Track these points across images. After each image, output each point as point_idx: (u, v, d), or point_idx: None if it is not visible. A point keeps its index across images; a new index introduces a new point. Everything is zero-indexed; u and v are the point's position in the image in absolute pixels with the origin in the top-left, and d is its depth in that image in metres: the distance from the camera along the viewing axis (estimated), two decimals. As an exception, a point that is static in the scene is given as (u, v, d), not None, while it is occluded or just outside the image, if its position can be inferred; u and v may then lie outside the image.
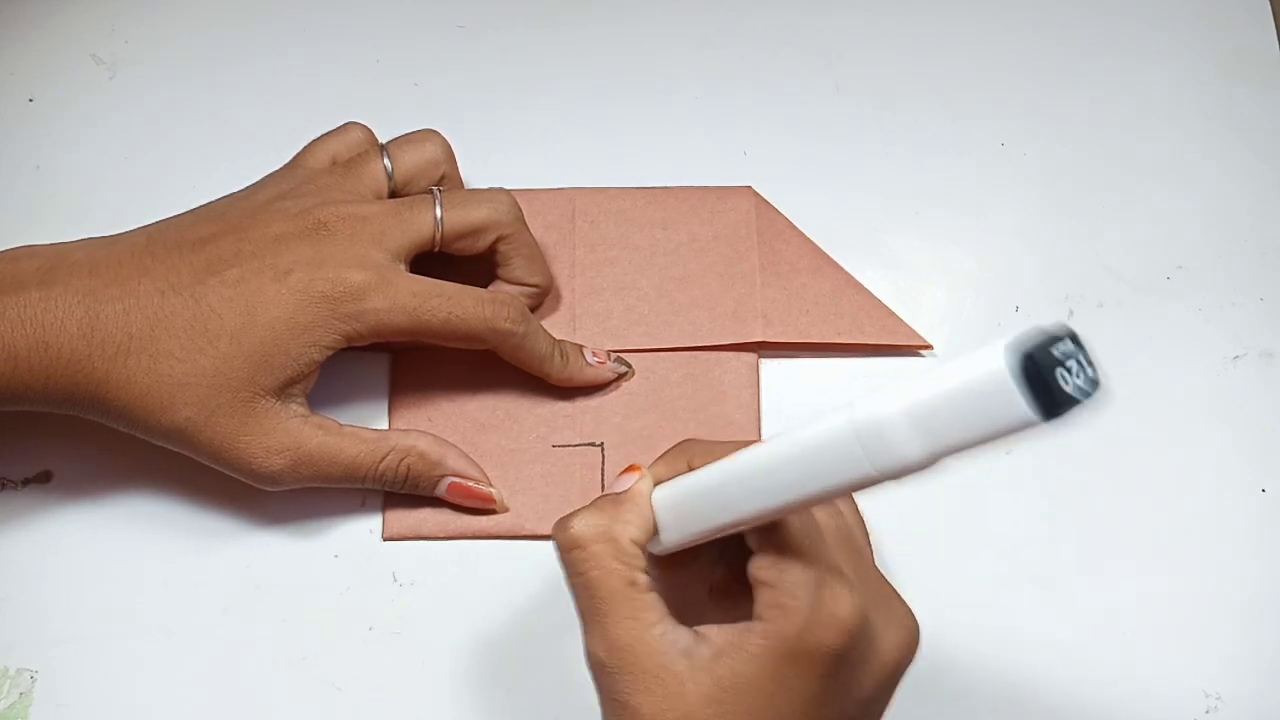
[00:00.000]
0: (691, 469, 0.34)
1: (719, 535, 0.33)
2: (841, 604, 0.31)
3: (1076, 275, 0.47)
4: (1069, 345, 0.25)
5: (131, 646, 0.41)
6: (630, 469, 0.35)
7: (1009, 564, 0.43)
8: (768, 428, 0.44)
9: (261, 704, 0.41)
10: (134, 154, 0.49)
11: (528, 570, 0.42)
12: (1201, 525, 0.43)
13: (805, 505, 0.30)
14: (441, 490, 0.42)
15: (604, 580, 0.32)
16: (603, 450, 0.43)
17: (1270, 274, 0.47)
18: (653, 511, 0.34)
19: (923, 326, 0.46)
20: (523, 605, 0.42)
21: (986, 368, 0.25)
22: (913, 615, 0.34)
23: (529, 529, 0.43)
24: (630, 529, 0.33)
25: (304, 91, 0.50)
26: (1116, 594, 0.42)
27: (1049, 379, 0.24)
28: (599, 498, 0.35)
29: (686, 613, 0.33)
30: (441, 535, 0.43)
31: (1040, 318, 0.46)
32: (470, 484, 0.42)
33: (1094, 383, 0.25)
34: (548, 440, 0.44)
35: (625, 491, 0.35)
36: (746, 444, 0.34)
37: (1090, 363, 0.25)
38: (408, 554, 0.43)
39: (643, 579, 0.33)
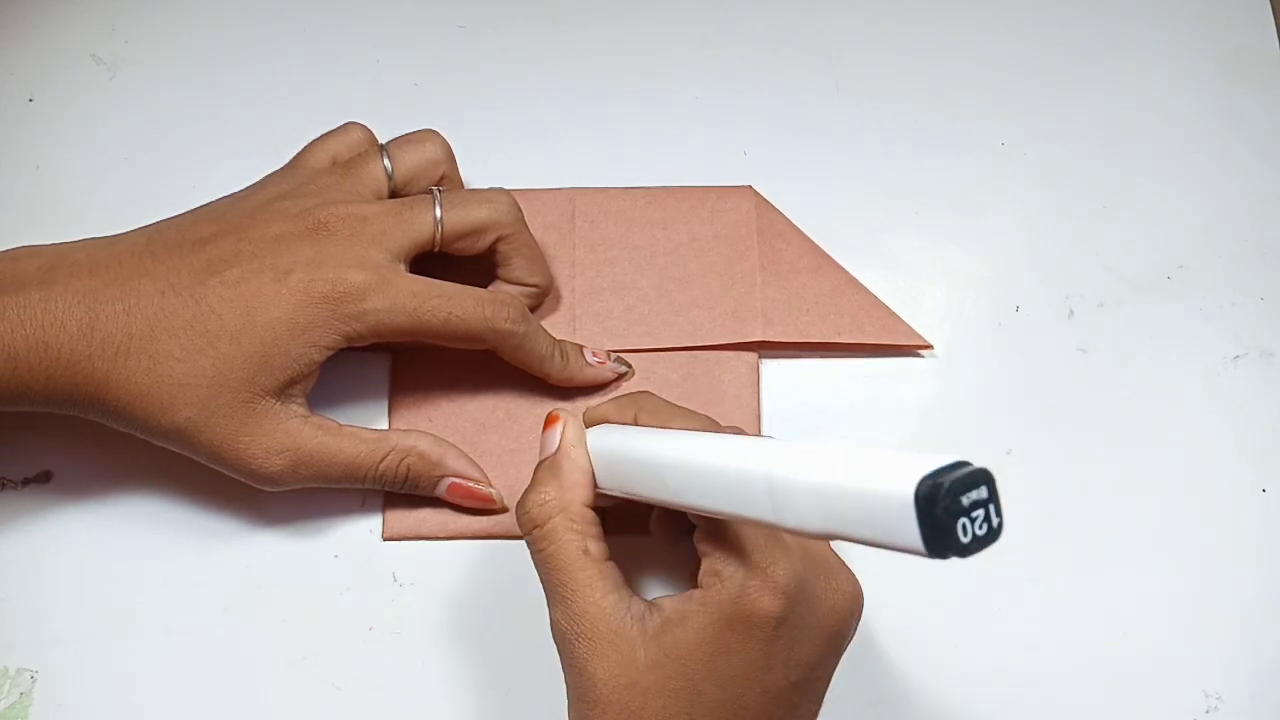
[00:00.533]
0: (637, 423, 0.36)
1: (649, 503, 0.35)
2: (777, 569, 0.32)
3: (1076, 275, 0.47)
4: (982, 493, 0.26)
5: (131, 646, 0.41)
6: (550, 420, 0.37)
7: (1009, 564, 0.43)
8: (767, 428, 0.44)
9: (261, 704, 0.41)
10: (134, 154, 0.49)
11: (528, 570, 0.42)
12: (1201, 525, 0.43)
13: (717, 515, 0.32)
14: (441, 490, 0.42)
15: (559, 553, 0.34)
16: (603, 450, 0.43)
17: (1270, 274, 0.47)
18: (588, 459, 0.36)
19: (923, 326, 0.46)
20: (523, 605, 0.42)
21: (897, 492, 0.26)
22: (855, 581, 0.35)
23: (529, 529, 0.43)
24: (578, 492, 0.35)
25: (304, 91, 0.50)
26: (1116, 594, 0.42)
27: (947, 526, 0.25)
28: (538, 466, 0.36)
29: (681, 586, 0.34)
30: (441, 535, 0.43)
31: (1040, 318, 0.46)
32: (470, 484, 0.42)
33: (995, 532, 0.26)
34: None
35: (558, 451, 0.36)
36: (693, 418, 0.36)
37: (998, 512, 0.27)
38: (408, 554, 0.43)
39: (595, 546, 0.35)
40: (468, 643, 0.42)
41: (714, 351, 0.45)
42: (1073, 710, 0.41)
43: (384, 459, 0.41)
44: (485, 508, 0.42)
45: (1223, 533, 0.43)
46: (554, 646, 0.41)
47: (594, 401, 0.44)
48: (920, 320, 0.46)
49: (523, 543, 0.42)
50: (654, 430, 0.35)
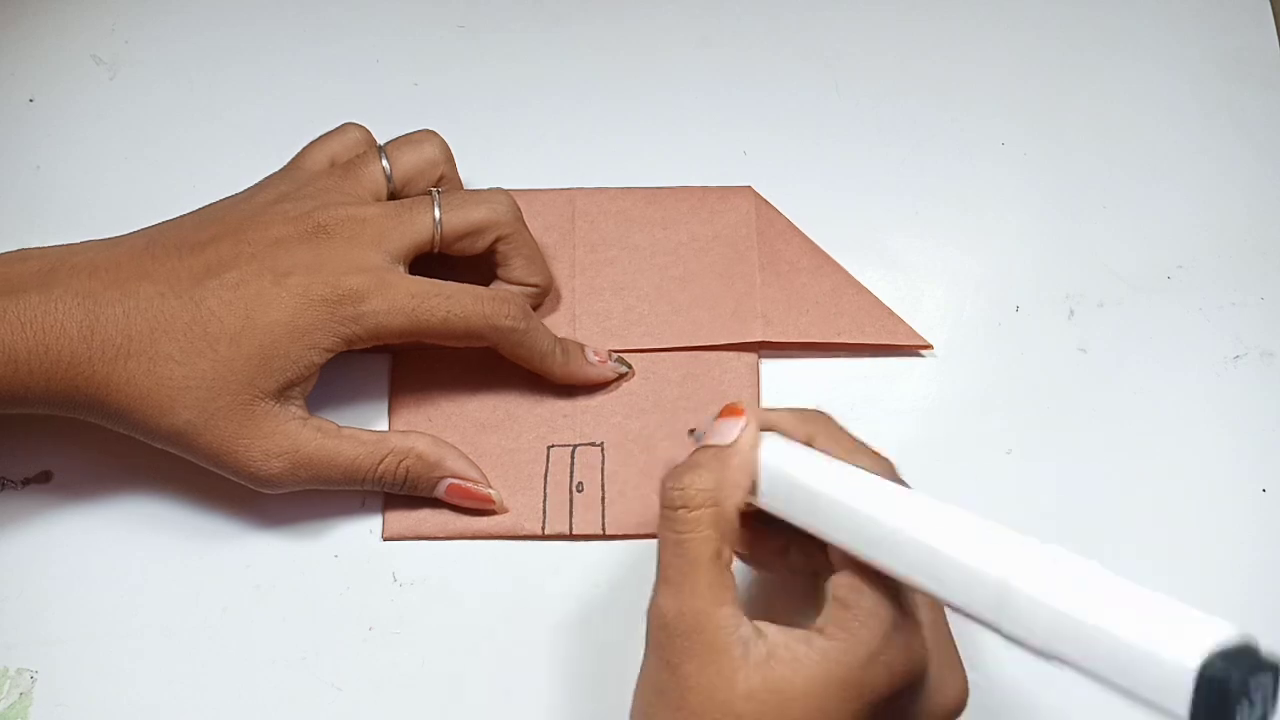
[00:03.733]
0: (813, 445, 0.34)
1: (805, 530, 0.33)
2: (909, 648, 0.31)
3: (1076, 275, 0.47)
4: (1267, 679, 0.24)
5: (131, 646, 0.41)
6: (732, 411, 0.35)
7: (1009, 564, 0.43)
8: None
9: (261, 704, 0.41)
10: (134, 154, 0.49)
11: (527, 570, 0.42)
12: (1201, 525, 0.43)
13: (904, 582, 0.30)
14: (440, 491, 0.42)
15: (695, 546, 0.32)
16: (603, 450, 0.43)
17: (1270, 274, 0.47)
18: (757, 469, 0.34)
19: (923, 326, 0.46)
20: (523, 605, 0.42)
21: (1177, 662, 0.24)
22: (966, 681, 0.34)
23: (528, 529, 0.43)
24: (737, 493, 0.33)
25: (304, 91, 0.50)
26: (1116, 594, 0.42)
27: (1228, 709, 0.24)
28: (703, 449, 0.34)
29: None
30: (441, 535, 0.43)
31: (1040, 318, 0.46)
32: (469, 485, 0.42)
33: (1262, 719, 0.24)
34: (547, 440, 0.44)
35: (732, 445, 0.34)
36: (876, 458, 0.33)
37: (1275, 705, 0.24)
38: (408, 554, 0.43)
39: (728, 553, 0.33)
40: (468, 643, 0.42)
41: (714, 351, 0.45)
42: (1073, 710, 0.41)
43: (383, 460, 0.41)
44: (484, 508, 0.42)
45: (1223, 533, 0.43)
46: (553, 646, 0.41)
47: (594, 402, 0.44)
48: (920, 320, 0.46)
49: (522, 543, 0.43)
50: (852, 471, 0.33)
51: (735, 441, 0.34)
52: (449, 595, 0.42)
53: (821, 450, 0.34)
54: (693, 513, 0.33)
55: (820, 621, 0.32)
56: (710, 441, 0.35)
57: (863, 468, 0.33)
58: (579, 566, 0.42)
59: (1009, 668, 0.41)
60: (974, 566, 0.28)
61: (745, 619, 0.32)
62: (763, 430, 0.35)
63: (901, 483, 0.34)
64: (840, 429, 0.35)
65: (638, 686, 0.33)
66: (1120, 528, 0.43)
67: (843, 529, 0.32)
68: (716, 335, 0.45)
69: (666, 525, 0.33)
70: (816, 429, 0.35)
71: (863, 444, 0.35)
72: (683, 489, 0.33)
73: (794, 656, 0.31)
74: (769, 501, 0.34)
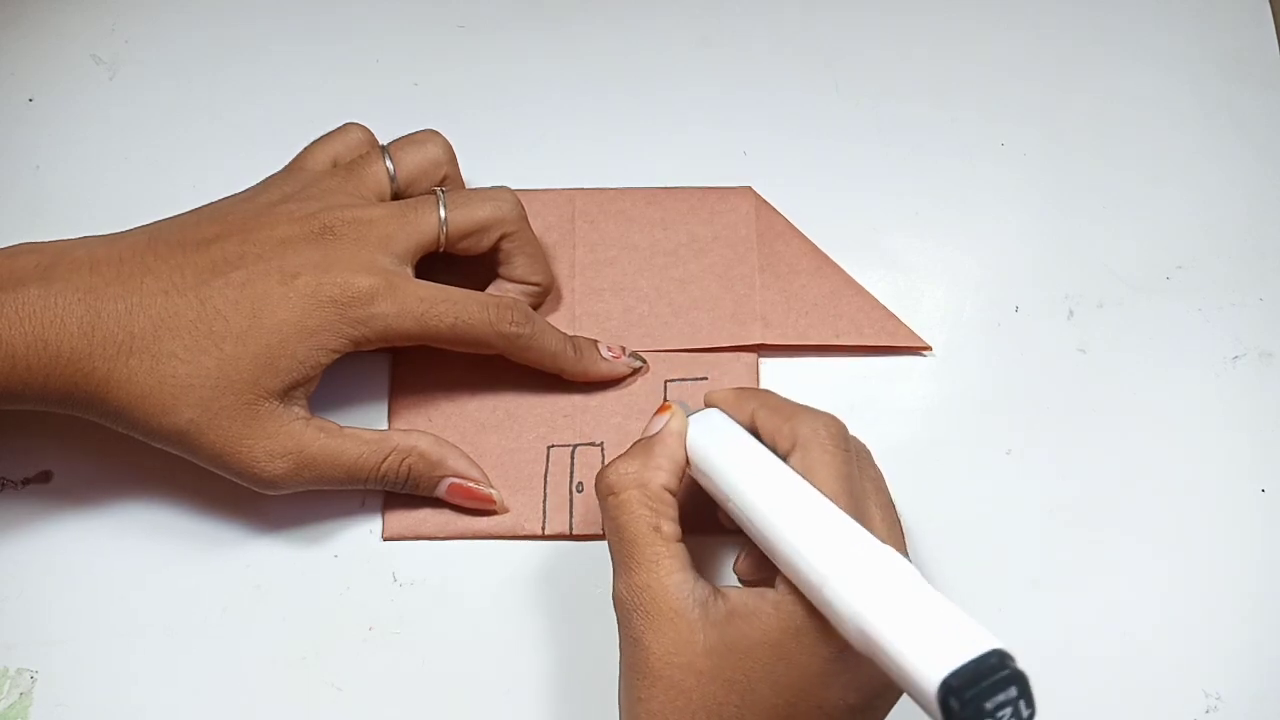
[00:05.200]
0: (754, 423, 0.37)
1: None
2: None
3: (1076, 275, 0.47)
4: (1011, 693, 0.27)
5: (131, 646, 0.41)
6: (662, 408, 0.38)
7: (1009, 564, 0.43)
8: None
9: (261, 704, 0.41)
10: (134, 154, 0.49)
11: (528, 570, 0.42)
12: (1201, 525, 0.43)
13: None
14: (441, 491, 0.42)
15: (630, 524, 0.35)
16: (603, 450, 0.43)
17: (1270, 274, 0.47)
18: (685, 453, 0.37)
19: (922, 327, 0.46)
20: (523, 605, 0.42)
21: (925, 680, 0.28)
22: None
23: (529, 529, 0.43)
24: (660, 474, 0.36)
25: (304, 91, 0.50)
26: (1116, 594, 0.42)
27: None
28: (636, 442, 0.37)
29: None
30: (441, 535, 0.43)
31: (1040, 318, 0.46)
32: (470, 485, 0.42)
33: None
34: (547, 440, 0.44)
35: (657, 434, 0.37)
36: (816, 416, 0.36)
37: (1029, 704, 0.28)
38: (408, 554, 0.43)
39: (668, 526, 0.35)
40: (468, 643, 0.42)
41: (714, 352, 0.45)
42: (1073, 710, 0.41)
43: (385, 460, 0.41)
44: (485, 508, 0.42)
45: (1223, 533, 0.43)
46: (553, 646, 0.41)
47: (594, 402, 0.44)
48: (920, 321, 0.46)
49: (523, 543, 0.43)
50: (745, 458, 0.36)
51: (659, 431, 0.37)
52: (449, 595, 0.42)
53: (763, 424, 0.37)
54: (620, 495, 0.35)
55: (778, 581, 0.34)
56: (643, 436, 0.38)
57: (779, 454, 0.36)
58: (579, 566, 0.42)
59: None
60: (807, 560, 0.32)
61: (702, 582, 0.34)
62: (707, 407, 0.39)
63: (845, 437, 0.36)
64: (780, 400, 0.38)
65: (619, 672, 0.35)
66: (1120, 527, 0.43)
67: (730, 503, 0.35)
68: (716, 337, 0.45)
69: (604, 513, 0.36)
70: (756, 404, 0.37)
71: (803, 408, 0.37)
72: (607, 477, 0.36)
73: (750, 611, 0.33)
74: (699, 478, 0.37)
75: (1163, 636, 0.42)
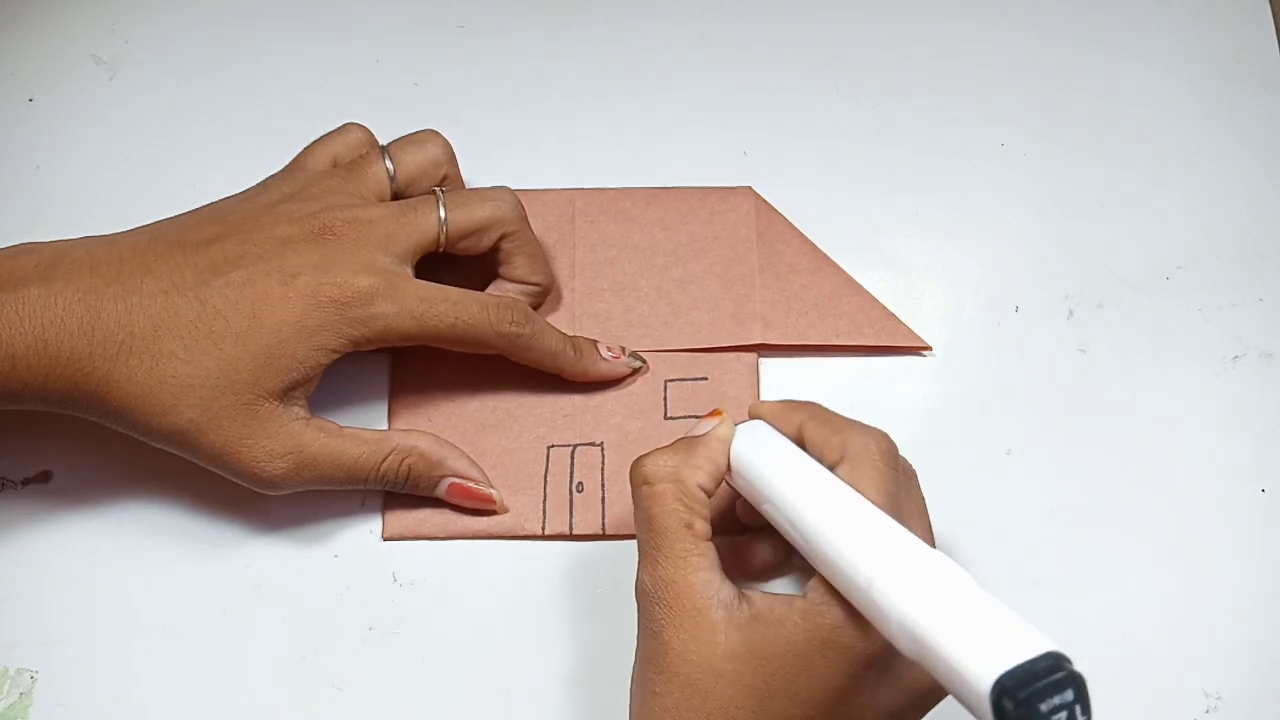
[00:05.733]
0: (801, 434, 0.36)
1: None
2: None
3: (1076, 275, 0.47)
4: (1068, 696, 0.26)
5: (131, 646, 0.41)
6: (714, 413, 0.38)
7: (1009, 564, 0.43)
8: (768, 428, 0.44)
9: (261, 704, 0.41)
10: (134, 154, 0.49)
11: (528, 570, 0.42)
12: (1201, 525, 0.43)
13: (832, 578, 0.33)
14: (441, 491, 0.42)
15: (662, 518, 0.34)
16: (603, 450, 0.43)
17: (1270, 274, 0.47)
18: (727, 459, 0.36)
19: (922, 327, 0.46)
20: (523, 605, 0.42)
21: (976, 681, 0.27)
22: None
23: (529, 529, 0.43)
24: (699, 474, 0.35)
25: (304, 91, 0.50)
26: (1116, 594, 0.42)
27: None
28: (679, 439, 0.37)
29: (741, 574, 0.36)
30: (441, 535, 0.43)
31: (1040, 318, 0.46)
32: (470, 485, 0.42)
33: None
34: (547, 440, 0.44)
35: (703, 435, 0.37)
36: (868, 432, 0.36)
37: (1085, 711, 0.27)
38: (408, 554, 0.43)
39: (700, 525, 0.35)
40: (468, 643, 0.42)
41: (714, 352, 0.45)
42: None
43: (385, 460, 0.41)
44: (485, 508, 0.42)
45: (1223, 533, 0.43)
46: (553, 646, 0.41)
47: (594, 402, 0.44)
48: (920, 321, 0.46)
49: (523, 543, 0.43)
50: (792, 465, 0.35)
51: (705, 433, 0.37)
52: (449, 595, 0.42)
53: (811, 435, 0.36)
54: (655, 487, 0.35)
55: (807, 590, 0.33)
56: (688, 434, 0.37)
57: (825, 465, 0.35)
58: (579, 566, 0.42)
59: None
60: (853, 561, 0.31)
61: (728, 584, 0.34)
62: (753, 419, 0.38)
63: (895, 455, 0.36)
64: (828, 412, 0.37)
65: (634, 659, 0.35)
66: (1120, 527, 0.43)
67: (769, 504, 0.35)
68: (716, 337, 0.45)
69: (637, 502, 0.35)
70: (804, 416, 0.37)
71: (853, 422, 0.36)
72: (644, 466, 0.36)
73: (776, 618, 0.33)
74: (736, 483, 0.37)
75: (1163, 636, 0.42)
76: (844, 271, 0.46)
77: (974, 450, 0.44)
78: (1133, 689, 0.41)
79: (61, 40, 0.51)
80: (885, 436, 0.36)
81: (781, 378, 0.45)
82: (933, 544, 0.36)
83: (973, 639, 0.28)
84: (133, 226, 0.41)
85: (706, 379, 0.44)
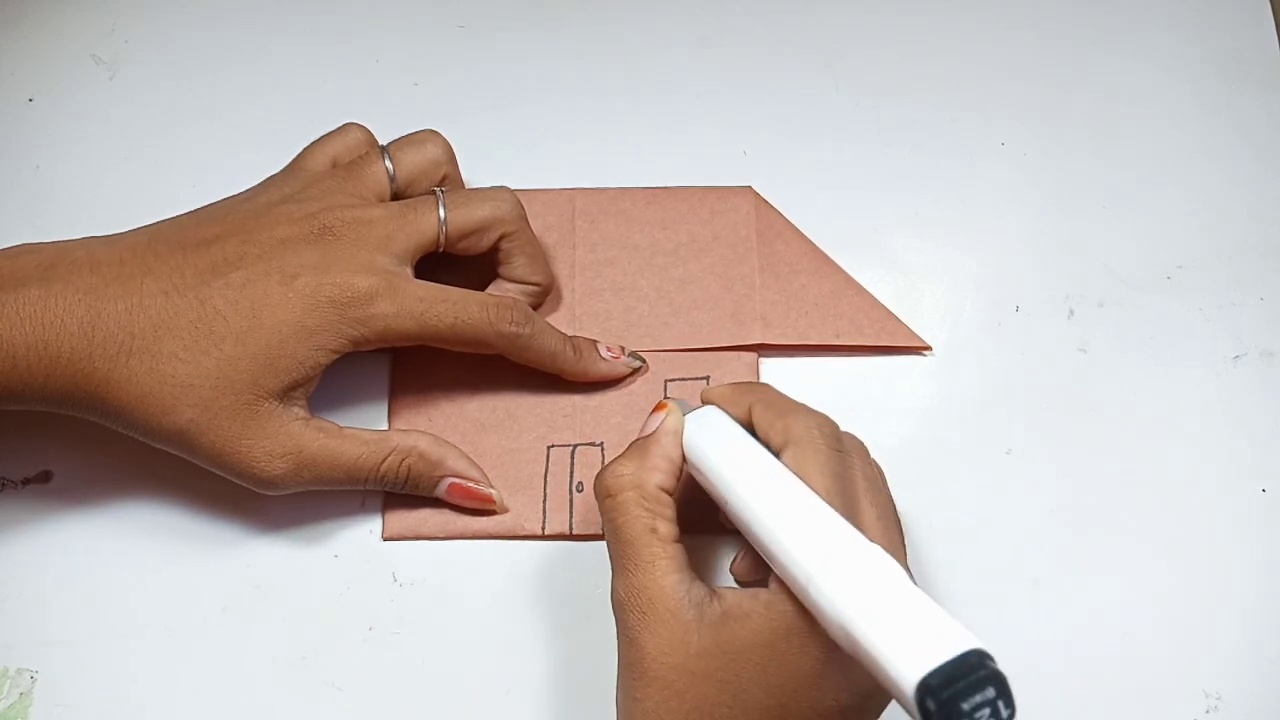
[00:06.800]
0: (750, 418, 0.37)
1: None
2: None
3: (1076, 275, 0.47)
4: (989, 694, 0.27)
5: (131, 646, 0.41)
6: (659, 406, 0.38)
7: (1009, 564, 0.43)
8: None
9: (261, 704, 0.41)
10: (134, 154, 0.49)
11: (528, 570, 0.42)
12: (1201, 525, 0.43)
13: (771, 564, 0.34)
14: (441, 491, 0.42)
15: (627, 526, 0.35)
16: (602, 450, 0.43)
17: (1270, 274, 0.47)
18: (680, 450, 0.37)
19: (922, 327, 0.46)
20: (523, 605, 0.42)
21: (903, 681, 0.28)
22: None
23: (529, 529, 0.43)
24: (656, 475, 0.36)
25: (304, 91, 0.50)
26: (1117, 593, 0.42)
27: None
28: (632, 442, 0.38)
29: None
30: (441, 535, 0.43)
31: (1040, 318, 0.46)
32: (470, 485, 0.42)
33: None
34: (547, 440, 0.44)
35: (653, 434, 0.37)
36: (811, 415, 0.36)
37: (1008, 704, 0.27)
38: (408, 554, 0.43)
39: (664, 527, 0.35)
40: (468, 643, 0.42)
41: (714, 351, 0.45)
42: (1073, 710, 0.41)
43: (385, 460, 0.41)
44: (485, 508, 0.42)
45: (1223, 533, 0.43)
46: (553, 646, 0.41)
47: (594, 402, 0.44)
48: (920, 320, 0.46)
49: (523, 543, 0.43)
50: (740, 457, 0.36)
51: (655, 430, 0.37)
52: (449, 595, 0.42)
53: (758, 419, 0.37)
54: (618, 498, 0.35)
55: (770, 580, 0.34)
56: (639, 435, 0.38)
57: (772, 450, 0.36)
58: (579, 566, 0.42)
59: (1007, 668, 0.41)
60: (795, 560, 0.32)
61: (699, 584, 0.34)
62: (705, 404, 0.38)
63: (838, 436, 0.36)
64: (776, 395, 0.38)
65: (617, 670, 0.35)
66: (1120, 527, 0.43)
67: (726, 503, 0.35)
68: (716, 337, 0.45)
69: (603, 515, 0.36)
70: (753, 399, 0.37)
71: (799, 405, 0.37)
72: (604, 479, 0.36)
73: (744, 612, 0.33)
74: (695, 476, 0.37)
75: (1163, 636, 0.42)
76: (844, 271, 0.46)
77: (974, 450, 0.44)
78: (1133, 689, 0.41)
79: (61, 40, 0.51)
80: (827, 419, 0.37)
81: (781, 377, 0.45)
82: (892, 518, 0.36)
83: (899, 639, 0.28)
84: (133, 226, 0.41)
85: (707, 379, 0.44)
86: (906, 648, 0.28)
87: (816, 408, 0.37)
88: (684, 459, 0.37)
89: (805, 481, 0.34)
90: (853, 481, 0.35)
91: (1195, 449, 0.44)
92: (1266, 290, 0.47)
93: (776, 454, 0.36)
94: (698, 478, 0.37)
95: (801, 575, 0.31)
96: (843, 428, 0.37)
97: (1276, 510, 0.44)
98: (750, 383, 0.39)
